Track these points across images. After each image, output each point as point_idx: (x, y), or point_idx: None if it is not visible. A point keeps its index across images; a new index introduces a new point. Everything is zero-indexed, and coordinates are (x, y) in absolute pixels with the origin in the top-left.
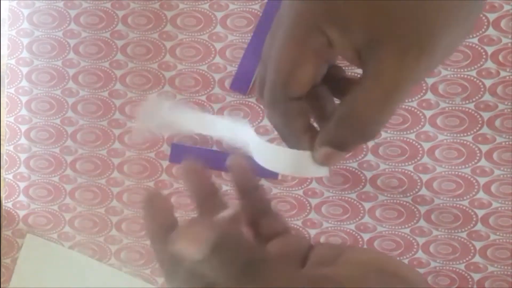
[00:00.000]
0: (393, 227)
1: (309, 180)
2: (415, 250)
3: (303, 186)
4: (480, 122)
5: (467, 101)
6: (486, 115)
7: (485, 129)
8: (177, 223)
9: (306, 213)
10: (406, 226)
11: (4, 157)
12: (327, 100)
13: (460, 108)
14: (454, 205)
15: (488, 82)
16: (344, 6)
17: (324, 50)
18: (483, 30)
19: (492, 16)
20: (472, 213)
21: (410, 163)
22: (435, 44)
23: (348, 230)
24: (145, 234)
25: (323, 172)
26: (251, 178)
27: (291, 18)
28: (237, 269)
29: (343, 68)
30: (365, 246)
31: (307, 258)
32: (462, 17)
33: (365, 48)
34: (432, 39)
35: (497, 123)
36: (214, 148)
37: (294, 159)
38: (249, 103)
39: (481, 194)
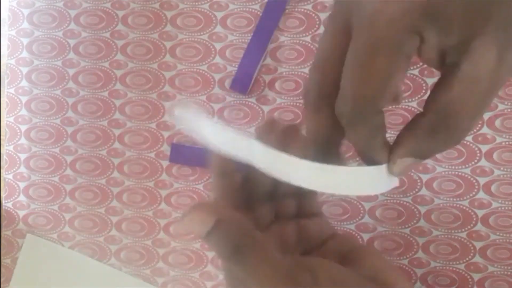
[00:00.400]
0: (394, 227)
1: None
2: (415, 250)
3: None
4: (480, 122)
5: None
6: (486, 115)
7: (485, 129)
8: None
9: None
10: (406, 226)
11: (4, 157)
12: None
13: None
14: (454, 205)
15: None
16: (443, 4)
17: (414, 53)
18: None
19: None
20: (472, 213)
21: None
22: None
23: (348, 230)
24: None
25: (394, 183)
26: None
27: (378, 20)
28: (228, 251)
29: None
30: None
31: (324, 244)
32: None
33: (456, 47)
34: None
35: (497, 123)
36: None
37: (371, 177)
38: (249, 103)
39: (481, 194)
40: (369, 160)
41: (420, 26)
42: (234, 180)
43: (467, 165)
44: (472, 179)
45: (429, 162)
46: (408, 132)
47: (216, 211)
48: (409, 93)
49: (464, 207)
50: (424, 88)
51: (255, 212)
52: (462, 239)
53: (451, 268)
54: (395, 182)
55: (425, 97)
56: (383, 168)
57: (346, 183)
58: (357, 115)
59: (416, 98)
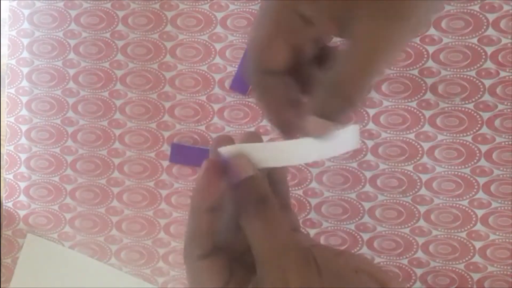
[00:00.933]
0: (393, 227)
1: (309, 180)
2: (414, 250)
3: (303, 186)
4: (480, 122)
5: (466, 101)
6: (485, 115)
7: (484, 129)
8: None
9: (306, 213)
10: (406, 226)
11: (4, 157)
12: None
13: (460, 108)
14: (454, 205)
15: (487, 82)
16: None
17: (301, 28)
18: (482, 30)
19: (491, 16)
20: (472, 213)
21: (409, 163)
22: (405, 7)
23: (348, 230)
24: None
25: (350, 145)
26: (281, 169)
27: (268, 1)
28: (256, 199)
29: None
30: (364, 246)
31: None
32: None
33: (341, 17)
34: (401, 3)
35: (497, 123)
36: None
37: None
38: (249, 103)
39: (481, 194)
40: (274, 120)
41: (294, 3)
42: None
43: (466, 165)
44: (471, 179)
45: (428, 162)
46: (313, 96)
47: (251, 168)
48: (409, 92)
49: (464, 207)
50: (424, 88)
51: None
52: (462, 239)
53: (450, 268)
54: (351, 144)
55: (425, 97)
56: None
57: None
58: (248, 74)
59: (416, 98)
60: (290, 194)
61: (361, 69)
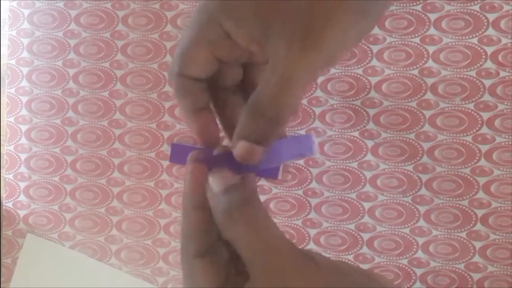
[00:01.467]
0: (393, 227)
1: (309, 180)
2: (414, 250)
3: (303, 186)
4: (480, 122)
5: (466, 101)
6: (485, 115)
7: (484, 129)
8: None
9: (306, 213)
10: (406, 226)
11: (4, 157)
12: (239, 108)
13: (460, 108)
14: (454, 205)
15: (487, 82)
16: (237, 1)
17: (222, 41)
18: (482, 30)
19: (491, 16)
20: (472, 213)
21: (409, 163)
22: (319, 39)
23: (348, 230)
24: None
25: (300, 153)
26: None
27: (195, 13)
28: (233, 205)
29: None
30: (364, 246)
31: None
32: (352, 18)
33: (263, 38)
34: (315, 35)
35: (497, 123)
36: None
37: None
38: None
39: (481, 194)
40: (186, 123)
41: (218, 18)
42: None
43: (466, 165)
44: (471, 179)
45: (428, 162)
46: (238, 121)
47: (236, 178)
48: (409, 93)
49: (464, 207)
50: (424, 88)
51: None
52: (462, 239)
53: (450, 268)
54: (305, 151)
55: (425, 97)
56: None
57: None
58: (168, 73)
59: (416, 98)
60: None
61: (278, 92)
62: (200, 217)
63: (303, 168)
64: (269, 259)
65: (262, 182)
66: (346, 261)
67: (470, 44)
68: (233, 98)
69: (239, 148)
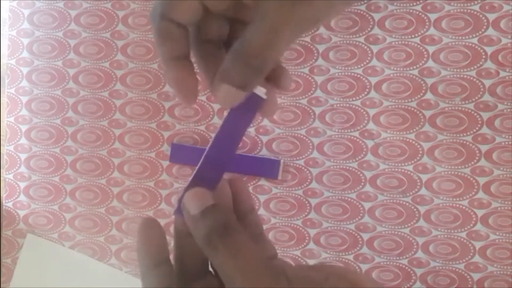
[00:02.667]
0: (393, 227)
1: (309, 180)
2: (414, 250)
3: (303, 186)
4: (480, 122)
5: (466, 101)
6: (485, 115)
7: (484, 129)
8: (168, 257)
9: (306, 213)
10: (406, 226)
11: (4, 157)
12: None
13: (460, 108)
14: (454, 205)
15: (487, 82)
16: None
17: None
18: (483, 30)
19: (492, 16)
20: (472, 213)
21: (409, 163)
22: None
23: (348, 230)
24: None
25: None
26: (248, 199)
27: None
28: (216, 231)
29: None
30: (365, 246)
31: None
32: None
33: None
34: None
35: (497, 123)
36: None
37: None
38: None
39: (481, 194)
40: (165, 69)
41: None
42: None
43: (466, 165)
44: (471, 179)
45: (428, 162)
46: (221, 64)
47: (213, 197)
48: (409, 93)
49: (464, 207)
50: (424, 88)
51: None
52: (462, 239)
53: (450, 268)
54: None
55: (425, 97)
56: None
57: None
58: (150, 14)
59: (416, 98)
60: (261, 223)
61: (266, 43)
62: (165, 273)
63: (303, 168)
64: (246, 284)
65: (262, 182)
66: (346, 261)
67: (470, 44)
68: (217, 52)
69: (222, 90)
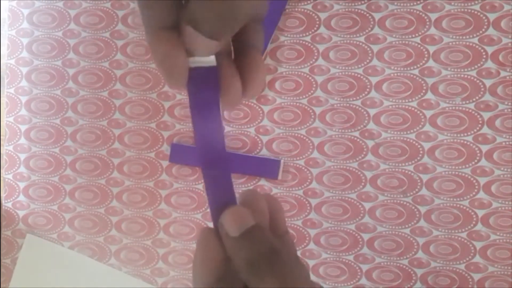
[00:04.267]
0: (393, 227)
1: (309, 180)
2: (415, 250)
3: (303, 186)
4: (480, 122)
5: (467, 101)
6: (486, 115)
7: (485, 129)
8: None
9: (306, 213)
10: (406, 226)
11: (3, 157)
12: None
13: (460, 108)
14: (454, 205)
15: (488, 82)
16: None
17: None
18: (483, 30)
19: (492, 16)
20: (472, 213)
21: (410, 163)
22: None
23: (348, 230)
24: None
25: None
26: (284, 220)
27: None
28: (258, 257)
29: None
30: (365, 247)
31: None
32: None
33: None
34: None
35: (497, 123)
36: None
37: None
38: (249, 103)
39: (481, 194)
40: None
41: None
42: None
43: (467, 165)
44: (472, 179)
45: (429, 162)
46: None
47: (253, 218)
48: (409, 92)
49: (464, 207)
50: (424, 88)
51: None
52: (462, 239)
53: (451, 268)
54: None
55: (425, 97)
56: None
57: None
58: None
59: (416, 98)
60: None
61: None
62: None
63: (303, 168)
64: None
65: (262, 182)
66: (346, 262)
67: (471, 44)
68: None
69: (187, 33)
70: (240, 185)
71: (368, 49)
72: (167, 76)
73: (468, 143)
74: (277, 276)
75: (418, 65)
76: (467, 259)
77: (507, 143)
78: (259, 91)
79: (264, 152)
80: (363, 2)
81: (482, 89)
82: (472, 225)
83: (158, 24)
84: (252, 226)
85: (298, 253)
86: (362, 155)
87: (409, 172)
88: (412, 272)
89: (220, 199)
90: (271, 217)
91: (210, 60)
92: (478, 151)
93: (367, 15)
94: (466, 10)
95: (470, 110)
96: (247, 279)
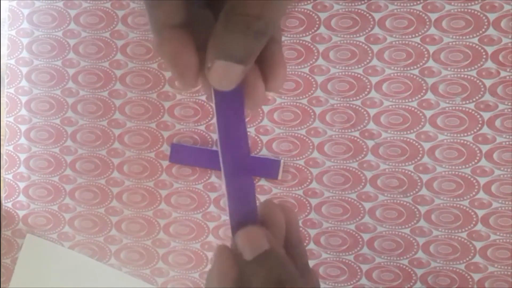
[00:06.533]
0: (393, 227)
1: (309, 180)
2: (415, 250)
3: (303, 186)
4: (480, 122)
5: (467, 101)
6: (486, 115)
7: (485, 129)
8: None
9: (306, 213)
10: (406, 226)
11: (4, 157)
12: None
13: (460, 108)
14: (454, 205)
15: (488, 82)
16: None
17: None
18: (483, 30)
19: (492, 16)
20: (472, 213)
21: (410, 163)
22: None
23: (348, 230)
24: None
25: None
26: (298, 231)
27: None
28: (274, 279)
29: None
30: (365, 247)
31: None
32: None
33: None
34: None
35: (497, 123)
36: (214, 148)
37: None
38: None
39: (481, 194)
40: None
41: None
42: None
43: (467, 165)
44: (472, 179)
45: (429, 162)
46: (212, 36)
47: (268, 240)
48: (409, 92)
49: (464, 207)
50: (424, 88)
51: None
52: (462, 239)
53: (451, 268)
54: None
55: (425, 97)
56: None
57: None
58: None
59: (416, 98)
60: (307, 253)
61: (261, 4)
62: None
63: (303, 168)
64: None
65: (262, 182)
66: (347, 262)
67: (471, 44)
68: (202, 12)
69: (218, 68)
70: None
71: (368, 49)
72: (179, 76)
73: (468, 143)
74: None
75: (418, 65)
76: (467, 259)
77: (507, 143)
78: (282, 86)
79: (264, 152)
80: (363, 2)
81: (482, 89)
82: (472, 225)
83: (166, 23)
84: (265, 251)
85: None
86: (362, 155)
87: (409, 172)
88: (412, 272)
89: (242, 210)
90: (287, 228)
91: None
92: (478, 151)
93: (367, 15)
94: (466, 10)
95: (470, 110)
96: None
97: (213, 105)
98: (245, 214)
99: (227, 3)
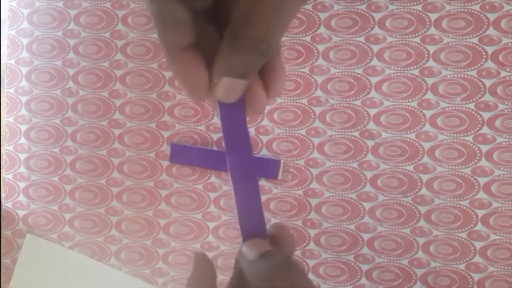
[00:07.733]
0: (393, 227)
1: (309, 180)
2: (415, 250)
3: (303, 186)
4: (480, 122)
5: (467, 101)
6: (486, 115)
7: (485, 129)
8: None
9: (306, 213)
10: (406, 226)
11: (4, 157)
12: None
13: (460, 108)
14: (454, 205)
15: (488, 82)
16: None
17: None
18: (483, 30)
19: (492, 16)
20: (472, 213)
21: (410, 163)
22: None
23: (348, 230)
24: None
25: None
26: (293, 244)
27: None
28: (274, 268)
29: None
30: (365, 247)
31: None
32: None
33: None
34: None
35: (497, 123)
36: (214, 148)
37: None
38: None
39: (481, 194)
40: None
41: None
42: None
43: (467, 165)
44: (472, 179)
45: (429, 162)
46: (218, 55)
47: (268, 244)
48: (409, 92)
49: (464, 207)
50: (424, 88)
51: None
52: (462, 239)
53: (451, 268)
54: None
55: (425, 97)
56: None
57: None
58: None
59: (416, 98)
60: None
61: (269, 20)
62: None
63: (303, 168)
64: None
65: (262, 182)
66: (347, 262)
67: (471, 44)
68: (207, 28)
69: (224, 84)
70: None
71: (368, 49)
72: (191, 92)
73: (468, 143)
74: (287, 279)
75: (418, 65)
76: (467, 259)
77: (507, 143)
78: (281, 92)
79: (264, 152)
80: (363, 2)
81: (482, 89)
82: (472, 225)
83: (178, 45)
84: (268, 250)
85: (298, 253)
86: (362, 155)
87: (409, 172)
88: (412, 272)
89: (250, 215)
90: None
91: None
92: (478, 151)
93: (367, 15)
94: (466, 10)
95: (470, 110)
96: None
97: (218, 115)
98: (252, 218)
99: (230, 23)
